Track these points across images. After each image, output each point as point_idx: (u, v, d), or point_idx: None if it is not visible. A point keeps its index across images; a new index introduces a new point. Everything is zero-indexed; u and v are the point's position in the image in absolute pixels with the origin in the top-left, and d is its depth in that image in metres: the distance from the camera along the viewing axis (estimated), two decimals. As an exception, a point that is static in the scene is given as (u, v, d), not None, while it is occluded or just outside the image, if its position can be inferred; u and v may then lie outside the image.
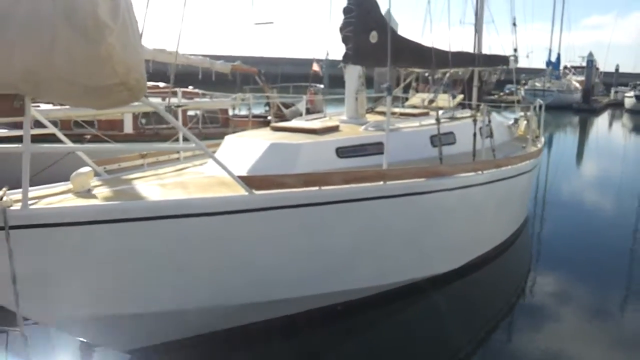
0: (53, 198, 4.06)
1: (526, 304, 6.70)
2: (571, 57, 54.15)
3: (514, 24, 10.94)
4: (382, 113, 8.75)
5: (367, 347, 5.41)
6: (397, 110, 9.03)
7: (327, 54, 9.21)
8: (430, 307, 6.36)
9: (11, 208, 3.38)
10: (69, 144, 4.50)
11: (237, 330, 5.08)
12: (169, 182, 4.86)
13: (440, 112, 9.37)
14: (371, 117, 8.17)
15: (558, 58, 45.09)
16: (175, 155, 6.47)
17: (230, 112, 12.97)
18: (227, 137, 6.28)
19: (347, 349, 5.35)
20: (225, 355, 5.12)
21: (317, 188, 4.78)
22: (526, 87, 38.90)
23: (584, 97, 41.76)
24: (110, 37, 2.84)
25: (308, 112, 14.90)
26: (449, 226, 6.52)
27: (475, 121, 7.12)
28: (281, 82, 16.72)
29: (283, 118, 12.94)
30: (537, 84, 40.21)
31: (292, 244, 4.81)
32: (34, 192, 4.25)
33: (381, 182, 5.26)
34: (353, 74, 7.71)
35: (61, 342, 4.97)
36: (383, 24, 7.68)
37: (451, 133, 7.95)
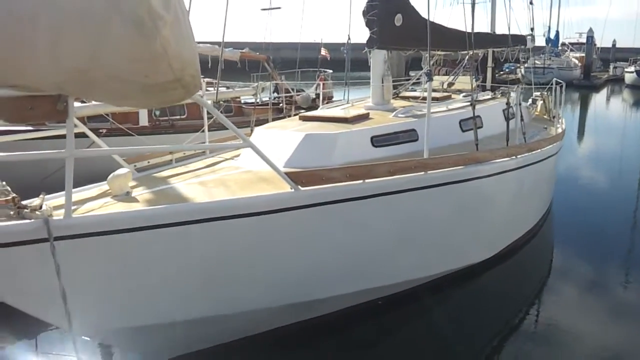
0: (92, 203, 3.82)
1: (559, 289, 6.55)
2: (568, 34, 53.81)
3: (531, 3, 10.67)
4: (407, 98, 8.51)
5: (409, 341, 5.26)
6: (418, 94, 8.79)
7: (349, 39, 8.87)
8: (467, 297, 6.21)
9: (53, 217, 3.14)
10: (108, 147, 4.24)
11: (277, 332, 4.89)
12: (208, 180, 4.63)
13: (462, 95, 9.22)
14: (396, 103, 7.92)
15: (557, 35, 44.66)
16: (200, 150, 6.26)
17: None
18: (256, 130, 6.05)
19: (389, 344, 5.18)
20: (266, 358, 4.93)
21: (361, 181, 4.57)
22: (526, 65, 38.53)
23: (584, 73, 41.47)
24: (164, 29, 2.57)
25: (318, 97, 14.69)
26: (486, 214, 6.35)
27: (508, 104, 6.89)
28: (283, 68, 16.40)
29: (294, 104, 12.70)
30: (537, 61, 39.82)
31: (338, 240, 4.63)
32: (59, 198, 4.02)
33: (422, 172, 5.06)
34: (378, 59, 7.46)
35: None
36: (407, 6, 7.42)
37: (478, 117, 7.72)
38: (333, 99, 12.62)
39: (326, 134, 5.57)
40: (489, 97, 9.38)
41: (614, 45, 58.19)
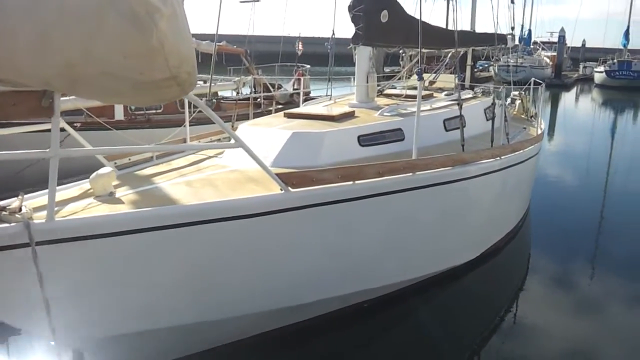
0: (74, 205, 3.62)
1: (536, 289, 6.61)
2: (539, 33, 54.55)
3: (512, 2, 10.68)
4: (390, 96, 8.43)
5: (395, 344, 5.17)
6: (400, 92, 8.71)
7: (333, 34, 8.75)
8: (452, 298, 6.19)
9: (35, 221, 2.94)
10: (90, 147, 4.02)
11: (263, 336, 4.76)
12: (194, 180, 4.45)
13: (443, 93, 9.18)
14: (379, 101, 7.83)
15: (529, 34, 45.29)
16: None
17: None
18: (240, 127, 5.88)
19: (376, 347, 5.09)
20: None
21: (351, 183, 4.47)
22: (499, 63, 38.93)
23: (555, 72, 42.12)
24: (161, 23, 2.39)
25: (297, 93, 14.51)
26: (471, 215, 6.32)
27: (493, 104, 6.86)
28: (260, 62, 16.14)
29: (272, 100, 12.51)
30: (509, 59, 40.23)
31: (327, 242, 4.52)
32: (38, 198, 3.81)
33: (410, 174, 4.98)
34: (364, 55, 7.33)
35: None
36: (393, 3, 7.32)
37: (462, 116, 7.68)
38: (311, 95, 12.47)
39: (313, 133, 5.43)
40: (470, 96, 9.36)
41: (583, 45, 59.20)
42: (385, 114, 6.69)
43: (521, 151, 7.27)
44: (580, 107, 32.83)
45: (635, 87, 38.66)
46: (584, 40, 59.77)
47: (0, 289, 2.95)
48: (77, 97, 2.62)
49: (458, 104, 6.17)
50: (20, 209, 3.02)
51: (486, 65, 38.28)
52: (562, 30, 43.30)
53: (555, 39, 47.15)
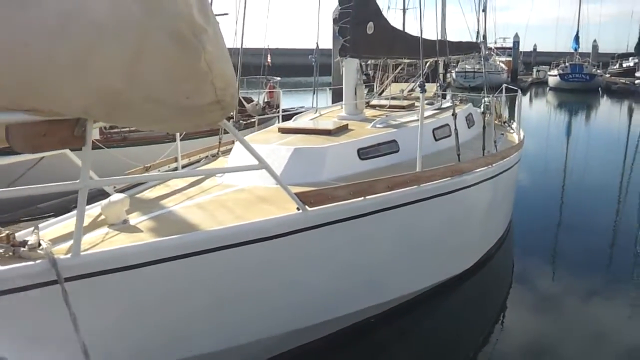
0: (90, 236, 3.42)
1: (525, 296, 6.62)
2: (491, 39, 55.81)
3: (484, 10, 10.85)
4: (375, 107, 8.41)
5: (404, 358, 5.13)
6: (385, 102, 8.71)
7: (317, 46, 8.68)
8: (451, 308, 6.17)
9: (60, 256, 2.75)
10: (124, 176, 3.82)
11: (279, 358, 4.63)
12: (205, 202, 4.30)
13: (425, 102, 9.22)
14: (367, 112, 7.80)
15: (484, 39, 46.23)
16: (174, 164, 5.89)
17: None
18: (236, 144, 5.73)
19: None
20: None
21: (362, 198, 4.41)
22: (456, 69, 39.68)
23: (511, 77, 43.20)
24: (208, 44, 2.27)
25: (269, 105, 14.35)
26: (468, 224, 6.34)
27: (484, 113, 6.92)
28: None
29: (246, 114, 12.34)
30: (466, 65, 41.08)
31: (342, 259, 4.46)
32: (50, 228, 3.61)
33: (415, 186, 4.96)
34: (351, 67, 7.30)
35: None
36: (379, 14, 7.32)
37: (447, 125, 7.74)
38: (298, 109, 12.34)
39: (315, 148, 5.35)
40: (450, 104, 9.44)
41: (534, 49, 61.04)
42: (377, 125, 6.66)
43: (509, 158, 7.36)
44: (537, 110, 33.72)
45: (587, 89, 40.06)
46: (535, 45, 61.67)
47: (26, 332, 2.73)
48: (114, 124, 2.44)
49: (453, 114, 6.19)
50: (39, 244, 2.83)
51: (443, 72, 39.01)
52: (517, 36, 44.55)
53: (507, 45, 48.47)
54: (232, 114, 10.82)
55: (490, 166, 6.45)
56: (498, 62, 45.70)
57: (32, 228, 3.20)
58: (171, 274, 3.18)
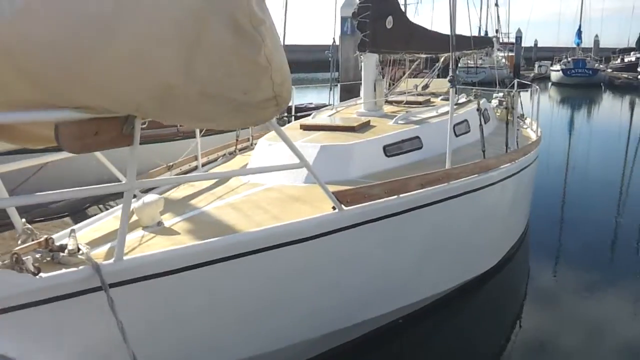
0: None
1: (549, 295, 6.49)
2: (491, 34, 55.68)
3: (496, 5, 10.72)
4: (392, 103, 8.28)
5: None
6: (402, 98, 8.58)
7: (334, 42, 8.55)
8: (476, 308, 6.06)
9: (104, 262, 2.62)
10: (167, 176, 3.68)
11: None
12: (236, 202, 4.17)
13: (439, 98, 9.11)
14: (385, 108, 7.67)
15: (486, 35, 46.14)
16: (194, 163, 5.77)
17: None
18: (260, 142, 5.60)
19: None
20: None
21: (396, 196, 4.29)
22: (458, 65, 39.51)
23: (514, 72, 43.04)
24: (267, 37, 2.14)
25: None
26: (493, 222, 6.24)
27: (507, 109, 6.80)
28: None
29: None
30: (469, 61, 40.95)
31: (376, 259, 4.36)
32: (83, 231, 3.49)
33: (446, 183, 4.85)
34: (371, 63, 7.16)
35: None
36: (397, 9, 7.18)
37: (466, 121, 7.62)
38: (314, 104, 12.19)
39: (342, 145, 5.23)
40: (465, 100, 9.32)
41: (535, 44, 60.93)
42: (400, 122, 6.53)
43: (530, 154, 7.25)
44: (541, 105, 33.49)
45: (590, 84, 39.91)
46: (535, 40, 61.56)
47: (69, 342, 2.60)
48: (163, 121, 2.30)
49: (478, 110, 6.06)
50: (78, 249, 2.70)
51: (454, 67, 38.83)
52: (519, 31, 44.39)
53: (509, 40, 48.26)
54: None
55: (513, 162, 6.34)
56: (500, 58, 45.57)
57: (67, 231, 3.07)
58: (215, 278, 3.06)
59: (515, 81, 11.04)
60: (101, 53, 1.93)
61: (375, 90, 7.19)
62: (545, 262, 7.51)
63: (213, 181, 5.02)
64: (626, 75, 42.49)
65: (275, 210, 3.94)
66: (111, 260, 2.62)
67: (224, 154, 6.60)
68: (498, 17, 11.16)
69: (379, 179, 5.10)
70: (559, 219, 9.30)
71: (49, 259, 2.69)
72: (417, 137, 6.16)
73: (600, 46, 55.71)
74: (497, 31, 11.43)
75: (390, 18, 7.03)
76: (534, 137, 9.04)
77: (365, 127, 6.13)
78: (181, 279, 2.88)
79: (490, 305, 6.16)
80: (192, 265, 2.89)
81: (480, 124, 6.08)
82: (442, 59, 9.90)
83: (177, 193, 4.56)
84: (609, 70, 45.80)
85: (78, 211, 7.63)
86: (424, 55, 9.80)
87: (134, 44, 1.96)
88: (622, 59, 50.92)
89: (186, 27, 2.02)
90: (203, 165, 5.89)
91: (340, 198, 3.76)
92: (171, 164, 5.30)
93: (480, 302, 6.18)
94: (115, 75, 1.99)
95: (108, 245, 3.15)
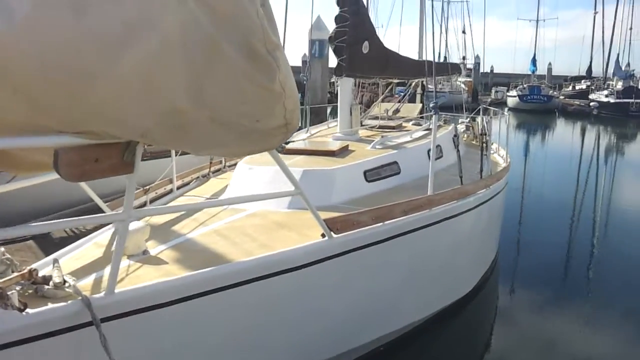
0: (109, 269, 3.13)
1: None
2: (451, 59, 57.11)
3: (464, 32, 10.95)
4: (366, 127, 8.29)
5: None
6: (375, 122, 8.61)
7: (308, 65, 8.50)
8: (453, 334, 6.05)
9: (94, 296, 2.46)
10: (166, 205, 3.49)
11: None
12: (221, 228, 4.04)
13: (411, 123, 9.18)
14: (361, 132, 7.67)
15: (445, 59, 47.24)
16: (170, 186, 5.60)
17: None
18: (239, 165, 5.48)
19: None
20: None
21: (381, 223, 4.25)
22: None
23: (472, 97, 44.06)
24: (281, 62, 2.06)
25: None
26: (469, 247, 6.26)
27: (483, 134, 6.89)
28: None
29: None
30: (429, 85, 41.68)
31: (362, 286, 4.28)
32: (64, 259, 3.30)
33: (427, 210, 4.84)
34: (347, 87, 7.16)
35: None
36: (373, 34, 7.23)
37: (439, 145, 7.68)
38: None
39: (325, 170, 5.16)
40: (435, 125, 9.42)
41: (492, 70, 62.65)
42: (377, 147, 6.53)
43: (502, 179, 7.35)
44: (500, 130, 34.33)
45: (545, 110, 41.24)
46: (492, 66, 63.33)
47: None
48: (170, 148, 2.17)
49: (455, 136, 6.12)
50: (64, 281, 2.53)
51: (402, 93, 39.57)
52: (478, 57, 45.53)
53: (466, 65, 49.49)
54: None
55: (488, 188, 6.41)
56: (459, 83, 46.62)
57: (46, 260, 2.90)
58: (209, 309, 2.93)
59: (481, 107, 11.24)
60: (107, 75, 1.81)
61: (351, 114, 7.17)
62: (513, 285, 7.61)
63: (185, 201, 4.89)
64: (578, 102, 44.12)
65: (262, 238, 3.83)
66: (102, 294, 2.46)
67: (198, 177, 6.44)
68: (465, 44, 11.39)
69: (361, 204, 5.05)
70: (521, 242, 9.50)
71: (31, 291, 2.51)
72: (395, 162, 6.17)
73: (553, 74, 57.72)
74: (464, 58, 11.62)
75: (366, 43, 7.06)
76: (501, 162, 9.19)
77: (344, 151, 6.09)
78: (175, 311, 2.73)
79: (465, 330, 6.15)
80: (186, 296, 2.76)
81: (457, 150, 6.13)
82: (412, 84, 10.02)
83: (157, 218, 4.39)
84: (562, 97, 47.46)
85: (42, 234, 7.31)
86: (396, 80, 9.89)
87: (142, 68, 1.85)
88: (574, 87, 52.84)
89: (197, 50, 1.92)
90: (178, 188, 5.72)
91: (331, 225, 3.69)
92: (147, 187, 5.12)
93: (457, 327, 6.16)
94: (121, 99, 1.87)
95: (93, 276, 2.97)
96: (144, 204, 5.01)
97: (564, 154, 23.98)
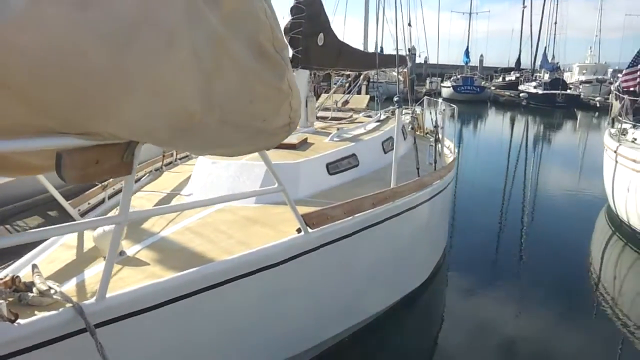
0: (88, 272, 3.01)
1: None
2: (387, 50, 57.93)
3: (409, 24, 11.11)
4: (320, 118, 8.31)
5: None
6: (327, 114, 8.65)
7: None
8: (416, 320, 6.22)
9: (85, 303, 2.36)
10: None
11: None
12: (193, 225, 3.96)
13: (361, 114, 9.28)
14: (316, 124, 7.68)
15: (382, 51, 47.86)
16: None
17: None
18: (200, 160, 5.37)
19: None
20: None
21: (351, 217, 4.30)
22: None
23: (409, 87, 44.89)
24: (288, 62, 2.04)
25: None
26: (426, 236, 6.42)
27: (436, 126, 7.05)
28: None
29: None
30: (377, 76, 42.14)
31: (334, 279, 4.33)
32: (35, 261, 3.16)
33: (391, 202, 4.94)
34: (303, 79, 7.13)
35: None
36: (328, 26, 7.23)
37: (390, 138, 7.82)
38: None
39: (289, 164, 5.15)
40: (384, 117, 9.58)
41: (426, 61, 63.92)
42: (335, 139, 6.56)
43: (452, 170, 7.57)
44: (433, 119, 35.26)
45: (478, 100, 42.63)
46: (426, 57, 64.57)
47: None
48: (174, 149, 2.09)
49: (412, 128, 6.25)
50: (49, 288, 2.42)
51: (343, 82, 39.91)
52: (414, 48, 46.23)
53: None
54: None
55: (441, 179, 6.59)
56: (394, 73, 47.35)
57: (19, 263, 2.76)
58: (196, 308, 2.88)
59: (425, 98, 11.51)
60: (113, 75, 1.74)
61: (307, 106, 7.17)
62: (461, 270, 7.90)
63: (153, 201, 4.76)
64: (509, 93, 45.88)
65: (238, 235, 3.79)
66: (93, 300, 2.37)
67: (151, 171, 6.27)
68: (410, 36, 11.57)
69: (325, 197, 5.09)
70: (461, 229, 9.87)
71: (12, 299, 2.39)
72: (354, 155, 6.23)
73: (484, 65, 59.69)
74: (409, 50, 11.83)
75: (321, 35, 7.06)
76: (447, 152, 9.44)
77: (304, 144, 6.09)
78: (164, 313, 2.67)
79: (428, 315, 6.35)
80: (175, 297, 2.70)
81: (415, 143, 6.26)
82: (362, 76, 10.12)
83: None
84: (492, 87, 49.24)
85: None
86: (348, 72, 9.95)
87: (148, 67, 1.78)
88: (504, 78, 54.93)
89: (205, 49, 1.87)
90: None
91: (307, 220, 3.70)
92: (105, 183, 4.94)
93: (418, 314, 6.33)
94: (128, 100, 1.80)
95: (74, 281, 2.85)
96: (103, 201, 4.85)
97: (496, 142, 25.02)
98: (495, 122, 35.89)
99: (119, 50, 1.73)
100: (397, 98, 5.25)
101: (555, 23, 50.31)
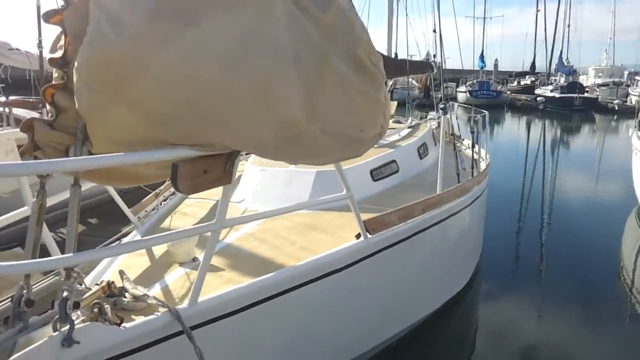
0: (168, 278, 3.11)
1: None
2: (402, 56, 58.03)
3: (434, 31, 11.15)
4: None
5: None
6: None
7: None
8: (457, 327, 6.23)
9: (180, 307, 2.45)
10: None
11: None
12: (254, 231, 4.06)
13: (392, 120, 9.32)
14: None
15: (396, 56, 47.91)
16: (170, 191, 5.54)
17: None
18: (247, 167, 5.47)
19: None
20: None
21: (403, 222, 4.37)
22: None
23: (424, 92, 44.85)
24: (384, 74, 2.12)
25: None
26: (467, 240, 6.47)
27: (474, 132, 7.10)
28: None
29: None
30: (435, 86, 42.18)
31: (388, 285, 4.40)
32: (112, 268, 3.25)
33: (438, 208, 5.00)
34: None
35: None
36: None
37: (425, 143, 7.87)
38: None
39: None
40: (415, 122, 9.66)
41: (439, 67, 63.91)
42: (375, 145, 6.63)
43: (487, 176, 7.61)
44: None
45: (494, 105, 42.43)
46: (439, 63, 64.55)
47: None
48: (277, 159, 2.15)
49: (452, 134, 6.31)
50: (145, 294, 2.51)
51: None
52: (428, 54, 46.29)
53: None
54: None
55: (480, 184, 6.63)
56: (410, 78, 47.30)
57: (97, 270, 2.85)
58: (275, 310, 2.97)
59: (454, 104, 11.53)
60: (226, 89, 1.82)
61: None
62: (497, 275, 7.90)
63: (205, 208, 4.86)
64: (525, 97, 45.69)
65: (299, 241, 3.88)
66: (186, 304, 2.46)
67: None
68: (435, 42, 11.60)
69: (373, 203, 5.15)
70: (490, 234, 9.85)
71: (106, 305, 2.47)
72: (394, 161, 6.30)
73: (499, 69, 59.45)
74: (434, 55, 11.91)
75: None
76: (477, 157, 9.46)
77: None
78: (248, 316, 2.76)
79: (469, 321, 6.37)
80: (258, 301, 2.79)
81: (455, 149, 6.31)
82: (391, 82, 10.18)
83: (177, 222, 4.37)
84: (508, 92, 49.05)
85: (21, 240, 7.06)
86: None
87: (258, 80, 1.87)
88: (519, 82, 54.69)
89: (308, 62, 1.96)
90: None
91: (367, 226, 3.77)
92: (157, 190, 5.06)
93: (460, 316, 6.36)
94: (239, 111, 1.88)
95: (158, 286, 2.95)
96: (155, 208, 4.95)
97: (515, 146, 24.86)
98: (513, 126, 35.76)
99: (232, 66, 1.81)
100: (443, 105, 5.30)
101: (569, 26, 50.11)
